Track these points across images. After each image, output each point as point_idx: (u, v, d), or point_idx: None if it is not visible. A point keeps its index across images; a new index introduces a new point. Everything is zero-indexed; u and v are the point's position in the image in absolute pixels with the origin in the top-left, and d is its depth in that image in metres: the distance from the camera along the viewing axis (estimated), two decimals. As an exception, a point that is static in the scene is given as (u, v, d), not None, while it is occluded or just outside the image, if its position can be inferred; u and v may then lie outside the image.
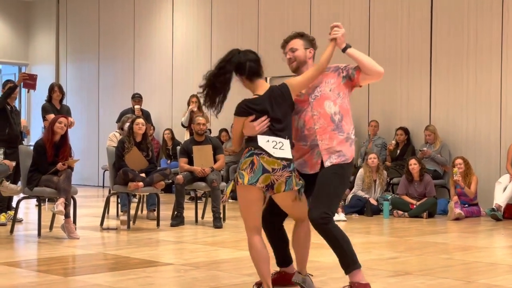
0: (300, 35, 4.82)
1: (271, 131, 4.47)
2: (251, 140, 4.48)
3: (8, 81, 9.49)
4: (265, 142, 4.42)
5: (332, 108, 4.61)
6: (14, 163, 8.41)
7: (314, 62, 4.78)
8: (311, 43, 4.83)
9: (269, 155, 4.39)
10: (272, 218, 4.78)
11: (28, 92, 10.07)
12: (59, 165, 7.71)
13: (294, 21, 12.85)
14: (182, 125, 12.45)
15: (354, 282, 4.46)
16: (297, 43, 4.78)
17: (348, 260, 4.48)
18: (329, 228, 4.45)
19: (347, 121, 4.64)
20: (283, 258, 4.90)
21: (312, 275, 4.83)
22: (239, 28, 13.75)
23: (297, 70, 4.76)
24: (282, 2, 13.10)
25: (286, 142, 4.45)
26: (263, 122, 4.46)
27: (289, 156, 4.42)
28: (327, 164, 4.57)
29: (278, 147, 4.41)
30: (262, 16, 13.39)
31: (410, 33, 11.48)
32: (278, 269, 4.94)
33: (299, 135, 4.66)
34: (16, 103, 9.54)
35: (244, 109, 4.51)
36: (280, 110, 4.50)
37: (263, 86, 4.60)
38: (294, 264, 4.85)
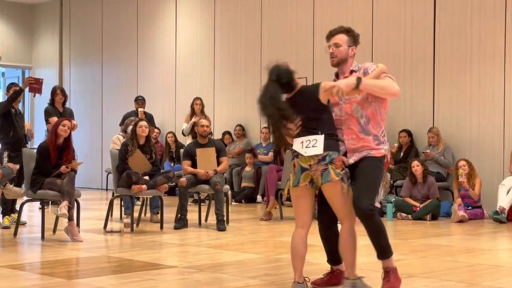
0: (347, 31, 4.86)
1: (305, 129, 4.69)
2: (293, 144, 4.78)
3: (12, 84, 9.50)
4: (299, 144, 4.68)
5: (359, 112, 4.75)
6: (18, 166, 8.43)
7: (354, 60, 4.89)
8: (355, 40, 4.87)
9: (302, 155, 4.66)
10: (322, 216, 5.00)
11: (34, 96, 10.10)
12: (63, 168, 7.72)
13: (297, 25, 12.87)
14: (183, 133, 12.50)
15: (387, 267, 4.86)
16: (342, 39, 4.82)
17: (386, 249, 4.84)
18: (376, 219, 4.72)
19: (373, 124, 4.78)
20: (333, 256, 5.08)
21: (363, 277, 4.95)
22: (242, 32, 13.76)
23: (336, 66, 4.87)
24: (285, 6, 13.10)
25: (320, 138, 4.64)
26: (297, 124, 4.70)
27: (320, 151, 4.61)
28: (350, 161, 4.76)
29: (311, 145, 4.64)
30: (266, 20, 13.39)
31: (413, 36, 11.47)
32: (329, 269, 5.16)
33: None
34: (20, 106, 9.56)
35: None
36: (309, 108, 4.69)
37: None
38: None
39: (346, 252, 4.83)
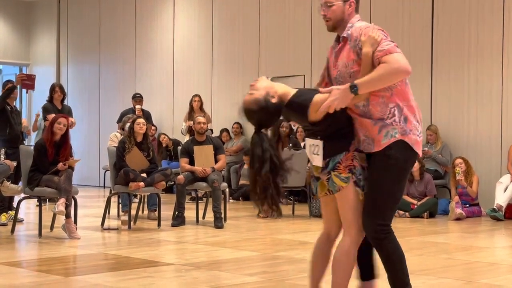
0: None
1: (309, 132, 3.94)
2: None
3: (8, 81, 9.50)
4: (308, 147, 3.93)
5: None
6: (15, 163, 8.42)
7: (356, 14, 3.97)
8: None
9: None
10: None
11: (27, 92, 10.10)
12: (60, 165, 7.71)
13: (295, 22, 12.85)
14: (182, 133, 12.60)
15: None
16: None
17: (398, 282, 3.89)
18: (384, 244, 3.88)
19: (374, 104, 3.87)
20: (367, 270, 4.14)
21: None
22: (240, 29, 13.75)
23: (333, 30, 3.98)
24: (283, 3, 13.09)
25: (320, 144, 3.82)
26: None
27: (320, 163, 3.83)
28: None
29: (316, 152, 3.85)
30: (263, 17, 13.39)
31: (411, 34, 11.47)
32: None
33: None
34: (17, 103, 9.56)
35: None
36: (303, 120, 3.89)
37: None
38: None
39: (336, 272, 3.83)
